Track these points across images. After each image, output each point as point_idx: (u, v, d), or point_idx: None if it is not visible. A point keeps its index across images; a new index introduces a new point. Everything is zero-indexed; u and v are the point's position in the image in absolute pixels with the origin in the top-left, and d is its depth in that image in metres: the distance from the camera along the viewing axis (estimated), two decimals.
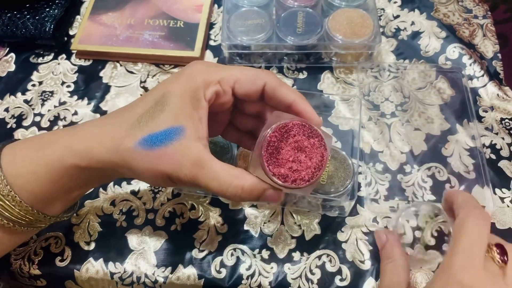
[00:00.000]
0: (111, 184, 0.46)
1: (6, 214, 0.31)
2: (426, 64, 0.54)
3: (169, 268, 0.41)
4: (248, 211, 0.44)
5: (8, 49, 0.57)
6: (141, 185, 0.46)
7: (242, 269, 0.41)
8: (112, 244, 0.42)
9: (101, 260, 0.41)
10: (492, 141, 0.48)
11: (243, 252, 0.42)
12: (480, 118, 0.49)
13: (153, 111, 0.31)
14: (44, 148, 0.32)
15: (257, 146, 0.31)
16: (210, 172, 0.30)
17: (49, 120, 0.51)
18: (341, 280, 0.40)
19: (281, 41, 0.51)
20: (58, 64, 0.55)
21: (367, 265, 0.41)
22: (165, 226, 0.43)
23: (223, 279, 0.40)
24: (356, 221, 0.43)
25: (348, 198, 0.42)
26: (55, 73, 0.55)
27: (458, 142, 0.47)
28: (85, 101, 0.52)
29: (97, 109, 0.51)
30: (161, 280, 0.40)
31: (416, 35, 0.56)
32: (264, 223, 0.43)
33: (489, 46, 0.56)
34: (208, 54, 0.56)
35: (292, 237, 0.42)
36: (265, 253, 0.41)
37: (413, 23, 0.57)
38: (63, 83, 0.54)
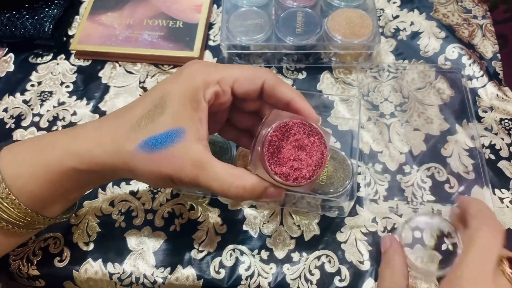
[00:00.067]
0: (110, 184, 0.46)
1: (5, 216, 0.31)
2: (426, 65, 0.54)
3: (168, 269, 0.41)
4: (247, 211, 0.44)
5: (7, 49, 0.57)
6: (140, 186, 0.46)
7: (241, 270, 0.41)
8: (111, 244, 0.42)
9: (100, 260, 0.41)
10: (491, 141, 0.48)
11: (242, 252, 0.42)
12: (479, 119, 0.49)
13: (152, 114, 0.31)
14: (43, 150, 0.32)
15: (256, 145, 0.31)
16: (211, 172, 0.30)
17: (48, 121, 0.50)
18: (340, 280, 0.40)
19: (280, 41, 0.51)
20: (57, 64, 0.55)
21: (367, 265, 0.41)
22: (164, 227, 0.43)
23: (222, 280, 0.40)
24: (355, 221, 0.43)
25: (347, 199, 0.41)
26: (54, 73, 0.55)
27: (457, 142, 0.47)
28: (84, 101, 0.52)
29: (96, 110, 0.51)
30: (160, 280, 0.40)
31: (415, 35, 0.56)
32: (263, 223, 0.43)
33: (488, 47, 0.56)
34: (207, 54, 0.56)
35: (291, 238, 0.42)
36: (264, 254, 0.41)
37: (412, 24, 0.57)
38: (62, 83, 0.54)
